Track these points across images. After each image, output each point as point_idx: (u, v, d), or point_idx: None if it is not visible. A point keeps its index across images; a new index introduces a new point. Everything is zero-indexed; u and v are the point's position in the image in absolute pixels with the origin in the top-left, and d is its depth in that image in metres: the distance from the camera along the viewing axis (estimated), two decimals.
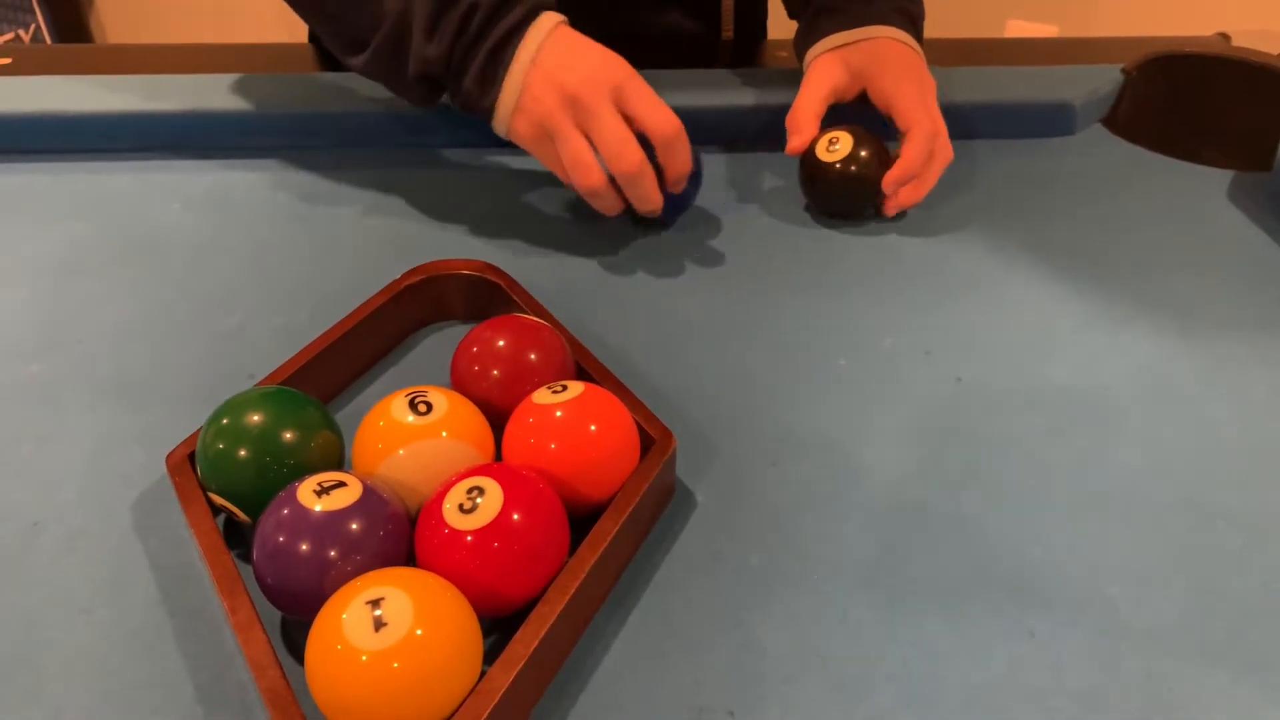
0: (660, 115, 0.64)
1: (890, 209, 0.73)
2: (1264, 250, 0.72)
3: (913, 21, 0.79)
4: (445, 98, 0.71)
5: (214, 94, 0.80)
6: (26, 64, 0.89)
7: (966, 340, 0.62)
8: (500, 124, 0.66)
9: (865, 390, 0.58)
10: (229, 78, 0.82)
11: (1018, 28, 2.25)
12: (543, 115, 0.64)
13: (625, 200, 0.67)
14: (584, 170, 0.63)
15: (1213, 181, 0.80)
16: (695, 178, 0.70)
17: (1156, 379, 0.59)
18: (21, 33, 2.55)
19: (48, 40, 2.61)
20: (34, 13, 2.54)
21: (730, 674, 0.43)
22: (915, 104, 0.73)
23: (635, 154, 0.63)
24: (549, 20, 0.65)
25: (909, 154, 0.72)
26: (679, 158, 0.65)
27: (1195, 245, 0.73)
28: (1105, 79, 0.88)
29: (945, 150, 0.74)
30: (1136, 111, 0.88)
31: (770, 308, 0.65)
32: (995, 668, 0.43)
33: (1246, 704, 0.42)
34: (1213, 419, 0.57)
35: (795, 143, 0.74)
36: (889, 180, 0.72)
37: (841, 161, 0.72)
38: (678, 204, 0.71)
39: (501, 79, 0.64)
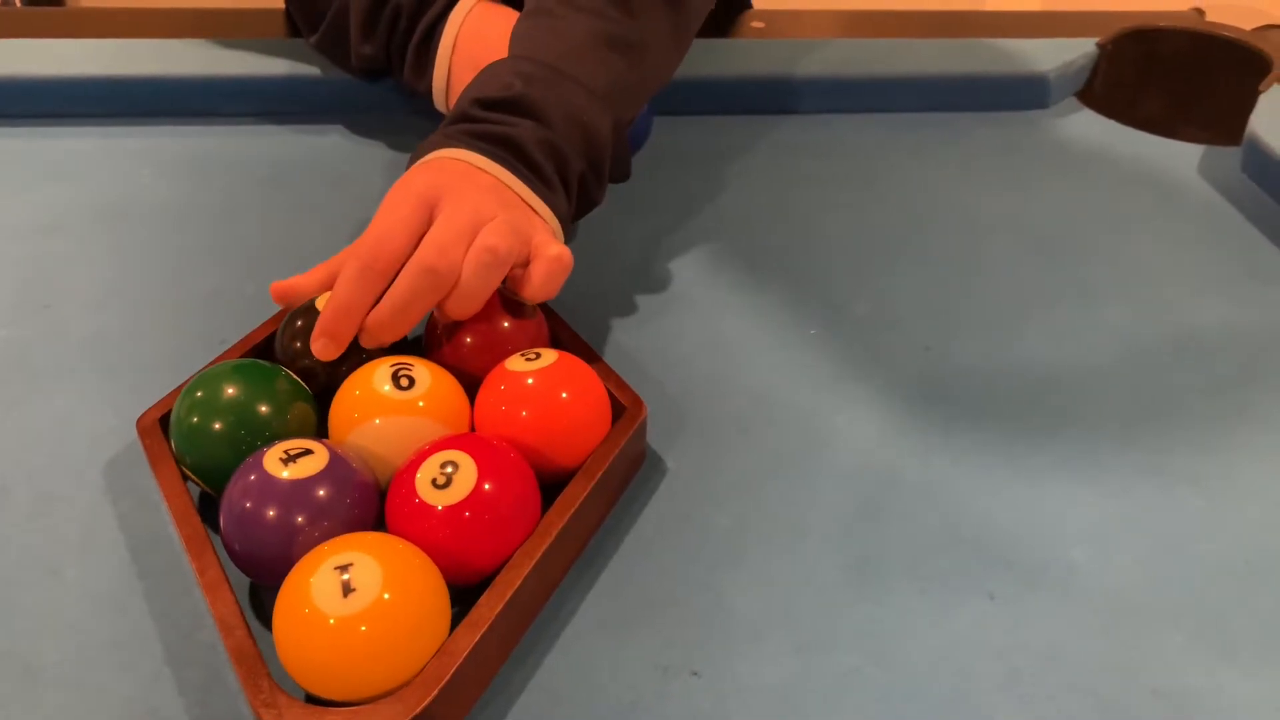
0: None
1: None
2: (1233, 222, 0.73)
3: (489, 140, 0.55)
4: None
5: (186, 58, 0.79)
6: None
7: (937, 309, 0.63)
8: (439, 105, 0.70)
9: (836, 358, 0.59)
10: (202, 42, 0.81)
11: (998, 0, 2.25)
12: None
13: None
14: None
15: (1184, 155, 0.81)
16: (643, 115, 0.70)
17: (1125, 348, 0.60)
18: None
19: (18, 3, 2.56)
20: None
21: (697, 634, 0.43)
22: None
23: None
24: (465, 4, 0.68)
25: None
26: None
27: (1166, 217, 0.73)
28: (1080, 52, 0.88)
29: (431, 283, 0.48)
30: (1110, 85, 0.89)
31: (742, 276, 0.65)
32: (959, 627, 0.44)
33: (1204, 663, 0.43)
34: (1180, 387, 0.57)
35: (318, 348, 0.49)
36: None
37: None
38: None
39: (431, 68, 0.68)
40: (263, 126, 0.79)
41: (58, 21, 0.94)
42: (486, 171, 0.53)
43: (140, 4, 0.96)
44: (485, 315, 0.51)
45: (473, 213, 0.50)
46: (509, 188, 0.53)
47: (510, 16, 0.66)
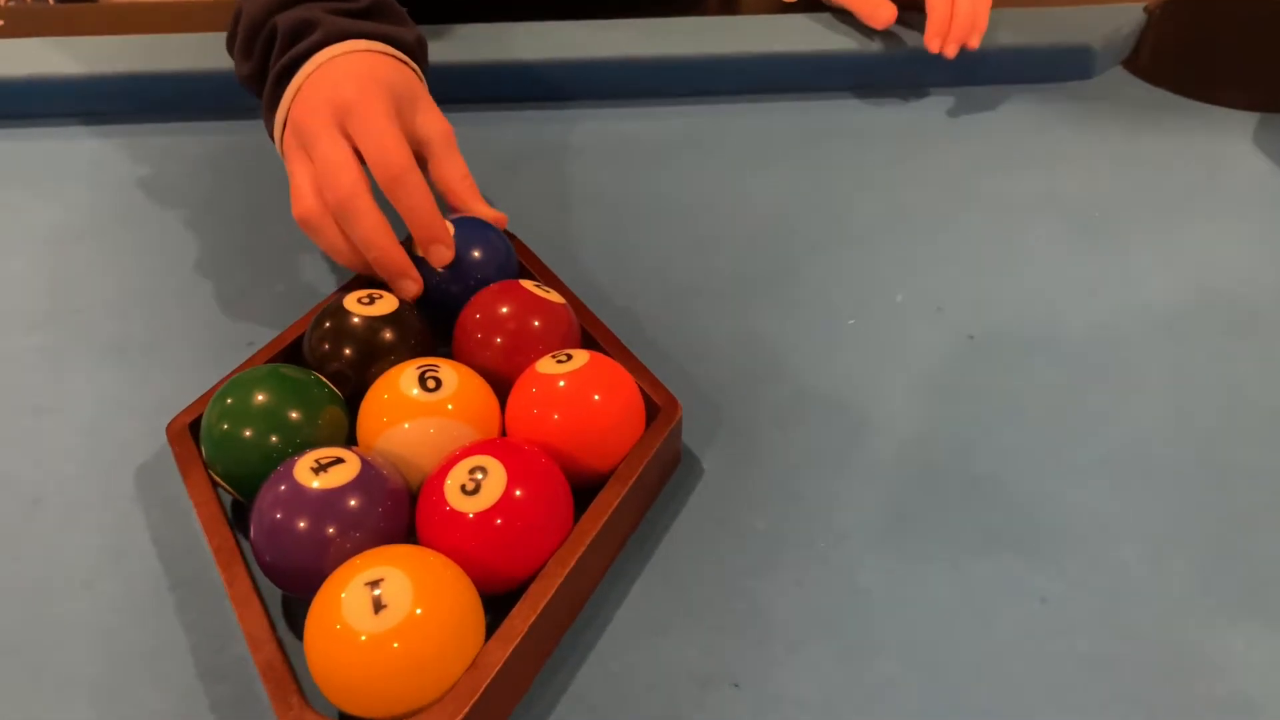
0: (378, 147, 0.53)
1: (949, 53, 0.77)
2: None
3: None
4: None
5: (210, 54, 0.78)
6: (21, 26, 0.87)
7: (979, 295, 0.61)
8: (277, 146, 0.60)
9: (875, 348, 0.57)
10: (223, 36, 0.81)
11: None
12: (284, 146, 0.58)
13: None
14: (293, 199, 0.54)
15: (1237, 124, 0.78)
16: (481, 255, 0.55)
17: (1176, 334, 0.58)
18: None
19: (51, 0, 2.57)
20: None
21: (735, 644, 0.42)
22: None
23: (340, 180, 0.52)
24: (334, 49, 0.57)
25: (932, 4, 0.77)
26: (404, 203, 0.53)
27: (1218, 192, 0.70)
28: (1126, 19, 0.84)
29: None
30: (1158, 52, 0.85)
31: (778, 265, 0.63)
32: (1005, 633, 0.43)
33: (1262, 667, 0.41)
34: (1233, 375, 0.55)
35: (884, 18, 0.80)
36: (929, 40, 0.77)
37: None
38: (454, 287, 0.54)
39: (278, 105, 0.58)
40: None
41: (81, 18, 0.93)
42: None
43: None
44: (515, 315, 0.50)
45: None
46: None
47: (351, 67, 0.56)
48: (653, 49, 0.80)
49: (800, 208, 0.69)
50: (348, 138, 0.54)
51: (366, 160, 0.53)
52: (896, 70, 0.82)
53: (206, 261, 0.64)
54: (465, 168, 0.59)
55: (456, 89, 0.77)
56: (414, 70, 0.61)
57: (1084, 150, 0.75)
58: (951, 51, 0.77)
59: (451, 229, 0.55)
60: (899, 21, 0.82)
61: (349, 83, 0.55)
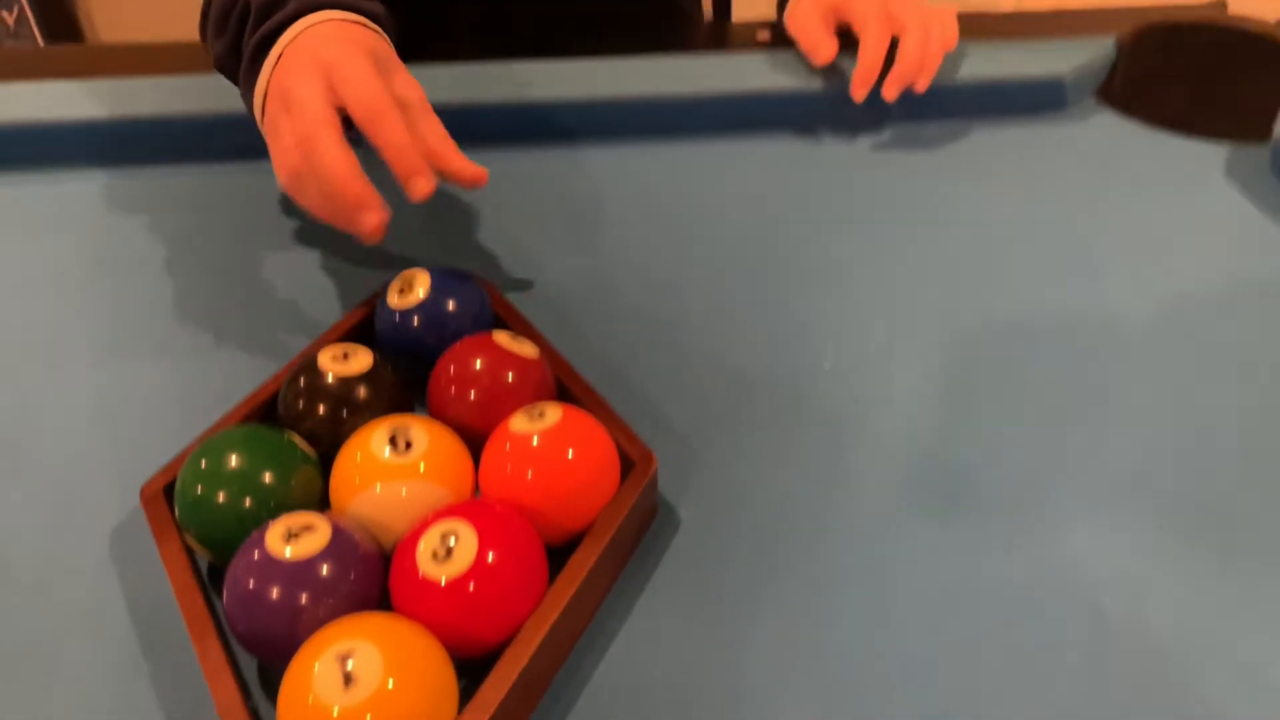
0: (359, 92, 0.53)
1: (887, 95, 0.75)
2: (1265, 227, 0.70)
3: None
4: None
5: (190, 96, 0.78)
6: None
7: (955, 334, 0.61)
8: (258, 121, 0.60)
9: (853, 388, 0.57)
10: (206, 79, 0.80)
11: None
12: (266, 115, 0.58)
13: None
14: (277, 161, 0.55)
15: (1210, 155, 0.78)
16: (457, 306, 0.55)
17: (1154, 370, 0.58)
18: (5, 13, 2.51)
19: (32, 23, 2.57)
20: None
21: (715, 709, 0.42)
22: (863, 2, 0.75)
23: (305, 113, 0.53)
24: (314, 18, 0.58)
25: (862, 49, 0.74)
26: (383, 137, 0.53)
27: (1194, 224, 0.71)
28: (1098, 50, 0.85)
29: (923, 30, 0.74)
30: (1131, 84, 0.86)
31: (756, 302, 0.64)
32: (983, 693, 0.42)
33: (1260, 680, 0.42)
34: (1213, 408, 0.55)
35: (824, 55, 0.77)
36: (855, 86, 0.75)
37: None
38: (431, 340, 0.54)
39: (256, 80, 0.59)
40: (270, 167, 0.78)
41: (61, 60, 0.93)
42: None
43: (160, 19, 0.94)
44: (488, 370, 0.50)
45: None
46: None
47: (331, 34, 0.57)
48: (627, 88, 0.80)
49: (775, 242, 0.69)
50: (331, 91, 0.54)
51: (348, 105, 0.53)
52: (868, 104, 0.82)
53: (182, 310, 0.64)
54: (443, 127, 0.58)
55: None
56: (385, 40, 0.62)
57: (1058, 183, 0.75)
58: (891, 94, 0.74)
59: (429, 276, 0.55)
60: None
61: (331, 45, 0.56)
